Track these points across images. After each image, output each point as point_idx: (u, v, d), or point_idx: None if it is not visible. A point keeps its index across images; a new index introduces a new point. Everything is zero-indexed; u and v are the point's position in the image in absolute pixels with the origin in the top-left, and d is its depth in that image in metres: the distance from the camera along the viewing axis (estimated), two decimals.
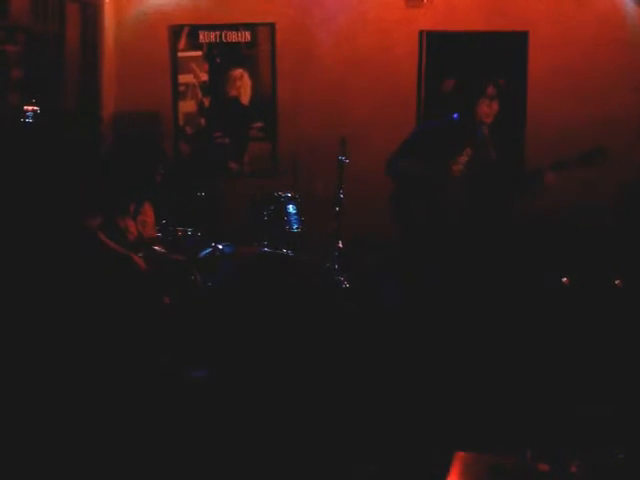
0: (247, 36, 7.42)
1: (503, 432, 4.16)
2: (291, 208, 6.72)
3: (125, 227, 5.49)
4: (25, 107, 6.37)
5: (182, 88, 7.53)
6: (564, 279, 6.19)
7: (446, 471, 3.03)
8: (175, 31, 7.46)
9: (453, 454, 3.12)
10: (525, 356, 5.21)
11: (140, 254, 5.39)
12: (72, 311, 5.28)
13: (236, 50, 7.45)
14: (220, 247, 6.32)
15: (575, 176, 5.57)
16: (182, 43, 7.47)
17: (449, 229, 5.48)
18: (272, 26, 7.38)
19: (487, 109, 5.49)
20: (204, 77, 7.52)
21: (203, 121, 7.56)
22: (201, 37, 7.46)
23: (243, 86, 7.50)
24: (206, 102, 7.54)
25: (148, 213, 5.75)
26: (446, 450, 3.19)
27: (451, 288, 5.47)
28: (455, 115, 5.59)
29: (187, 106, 7.55)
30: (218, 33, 7.44)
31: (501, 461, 3.07)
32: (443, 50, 7.24)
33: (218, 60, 7.48)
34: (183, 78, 7.53)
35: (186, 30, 7.45)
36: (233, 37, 7.43)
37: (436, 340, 5.37)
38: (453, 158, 5.55)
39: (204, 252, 6.30)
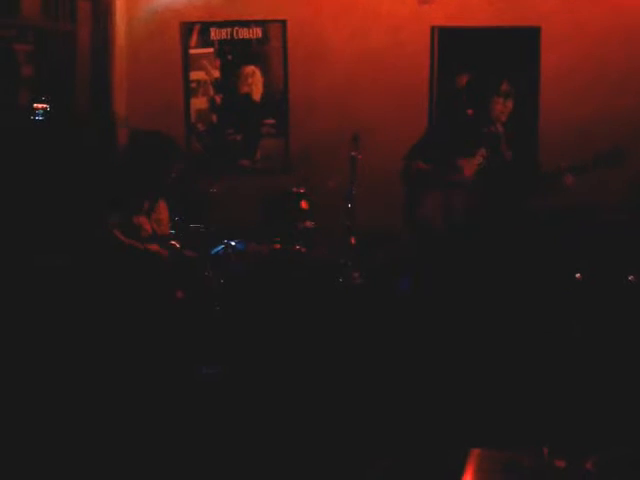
0: (258, 33, 7.41)
1: (519, 429, 4.15)
2: (303, 204, 6.71)
3: (139, 225, 5.51)
4: (35, 105, 6.39)
5: (194, 85, 7.52)
6: (577, 275, 6.17)
7: (462, 468, 3.03)
8: (186, 28, 7.45)
9: (469, 451, 3.11)
10: (540, 351, 5.20)
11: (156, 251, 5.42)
12: (87, 307, 5.30)
13: (248, 47, 7.44)
14: (232, 244, 6.31)
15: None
16: (193, 40, 7.46)
17: (462, 229, 5.48)
18: (284, 23, 7.37)
19: (501, 107, 5.49)
20: (216, 74, 7.50)
21: (215, 118, 7.56)
22: (212, 34, 7.45)
23: (255, 83, 7.49)
24: (218, 99, 7.53)
25: (162, 211, 5.76)
26: (462, 447, 3.19)
27: (465, 284, 5.46)
28: (469, 113, 5.57)
29: (199, 103, 7.54)
30: (229, 30, 7.43)
31: (517, 458, 3.06)
32: (455, 46, 7.22)
33: (230, 57, 7.47)
34: (195, 75, 7.52)
35: (197, 27, 7.44)
36: (244, 34, 7.42)
37: (451, 335, 5.37)
38: (467, 158, 5.54)
39: (216, 249, 6.30)
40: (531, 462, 3.02)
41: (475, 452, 3.11)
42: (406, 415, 4.51)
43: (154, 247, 5.38)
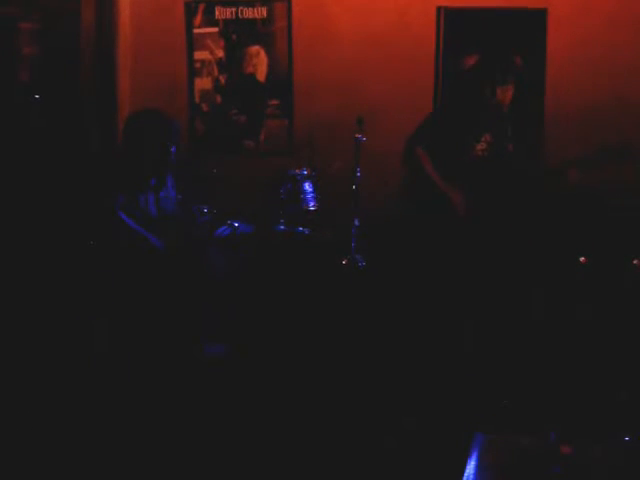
0: (263, 12, 7.36)
1: (525, 414, 4.15)
2: (307, 186, 6.68)
3: (145, 204, 5.51)
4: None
5: (198, 65, 7.48)
6: (582, 258, 6.15)
7: (467, 452, 3.02)
8: (191, 7, 7.41)
9: (474, 436, 3.11)
10: (546, 336, 5.19)
11: (161, 232, 5.41)
12: (89, 289, 5.30)
13: (252, 27, 7.40)
14: (236, 225, 6.30)
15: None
16: (198, 19, 7.42)
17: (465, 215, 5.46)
18: (289, 2, 7.31)
19: (506, 92, 5.46)
20: (220, 54, 7.46)
21: (219, 98, 7.52)
22: (217, 13, 7.41)
23: (259, 63, 7.45)
24: (222, 79, 7.49)
25: (170, 189, 5.76)
26: (467, 431, 3.18)
27: (469, 269, 5.45)
28: (472, 97, 5.55)
29: (203, 83, 7.51)
30: (234, 9, 7.38)
31: (523, 442, 3.06)
32: (461, 27, 7.17)
33: (234, 37, 7.42)
34: (199, 55, 7.47)
35: (202, 6, 7.40)
36: (249, 13, 7.38)
37: (459, 318, 5.36)
38: (472, 144, 5.52)
39: (220, 230, 6.29)
40: (537, 448, 3.01)
41: (481, 437, 3.11)
42: (411, 399, 4.51)
43: (155, 240, 5.36)
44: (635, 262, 6.09)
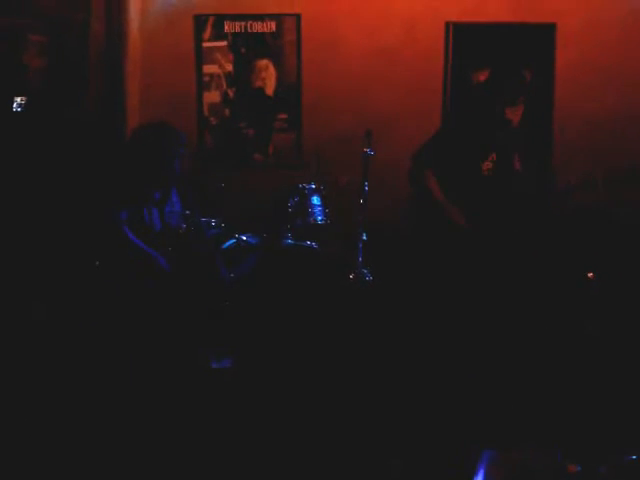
0: (272, 26, 7.38)
1: (532, 431, 4.13)
2: (315, 200, 6.67)
3: (150, 218, 5.49)
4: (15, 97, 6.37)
5: (207, 78, 7.50)
6: (590, 274, 6.14)
7: (474, 469, 3.01)
8: (200, 21, 7.42)
9: (481, 452, 3.10)
10: (554, 352, 5.17)
11: (167, 247, 5.40)
12: (94, 303, 5.30)
13: (261, 40, 7.42)
14: (244, 238, 6.30)
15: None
16: (207, 33, 7.44)
17: (472, 234, 5.46)
18: (298, 17, 7.34)
19: (515, 110, 5.45)
20: (229, 67, 7.48)
21: (227, 112, 7.53)
22: (226, 27, 7.42)
23: (268, 77, 7.47)
24: (231, 93, 7.51)
25: (175, 203, 5.74)
26: (474, 448, 3.17)
27: (475, 284, 5.44)
28: (481, 114, 5.54)
29: (212, 97, 7.52)
30: (243, 23, 7.40)
31: (529, 460, 3.04)
32: (470, 42, 7.19)
33: (243, 50, 7.45)
34: (208, 68, 7.49)
35: (211, 20, 7.42)
36: (258, 27, 7.40)
37: (464, 333, 5.35)
38: (478, 162, 5.52)
39: (228, 243, 6.29)
40: (544, 465, 3.00)
41: (487, 453, 3.10)
42: (418, 414, 4.49)
43: (159, 257, 5.34)
44: None
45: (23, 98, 6.33)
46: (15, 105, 6.36)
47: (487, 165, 5.58)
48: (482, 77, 6.44)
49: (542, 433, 4.04)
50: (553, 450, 3.02)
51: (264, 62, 7.45)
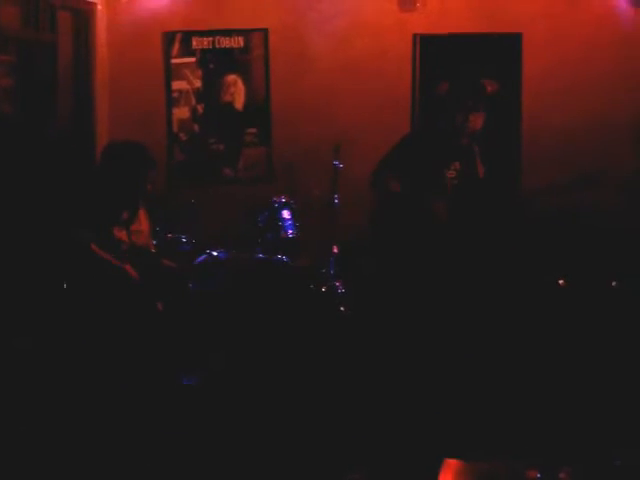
0: (240, 42, 7.39)
1: (494, 440, 4.13)
2: (286, 214, 6.69)
3: (119, 237, 5.47)
4: None
5: (176, 95, 7.50)
6: (560, 281, 6.16)
7: (435, 477, 3.01)
8: (168, 37, 7.43)
9: (443, 462, 3.10)
10: (516, 360, 5.18)
11: (134, 264, 5.38)
12: (65, 320, 5.27)
13: (230, 56, 7.43)
14: (214, 254, 6.30)
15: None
16: (175, 49, 7.44)
17: (436, 242, 5.47)
18: (265, 31, 7.36)
19: (478, 118, 5.48)
20: (198, 83, 7.48)
21: (197, 127, 7.53)
22: (194, 43, 7.43)
23: (237, 92, 7.47)
24: (200, 108, 7.51)
25: (143, 222, 5.72)
26: (436, 458, 3.17)
27: (443, 293, 5.44)
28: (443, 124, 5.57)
29: (181, 112, 7.52)
30: (211, 39, 7.41)
31: (490, 468, 3.05)
32: (437, 53, 7.22)
33: (211, 66, 7.45)
34: (177, 84, 7.49)
35: (179, 36, 7.42)
36: (226, 43, 7.41)
37: (428, 345, 5.35)
38: (440, 172, 5.54)
39: (198, 259, 6.29)
40: (504, 473, 3.00)
41: (449, 463, 3.10)
42: (380, 425, 4.49)
43: (129, 268, 5.32)
44: (613, 284, 6.10)
45: None
46: None
47: (451, 174, 5.60)
48: (444, 88, 6.46)
49: (503, 442, 4.04)
50: (513, 458, 3.03)
51: (233, 77, 7.46)
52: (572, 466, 2.90)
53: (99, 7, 7.28)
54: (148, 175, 5.51)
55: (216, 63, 7.45)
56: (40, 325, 5.35)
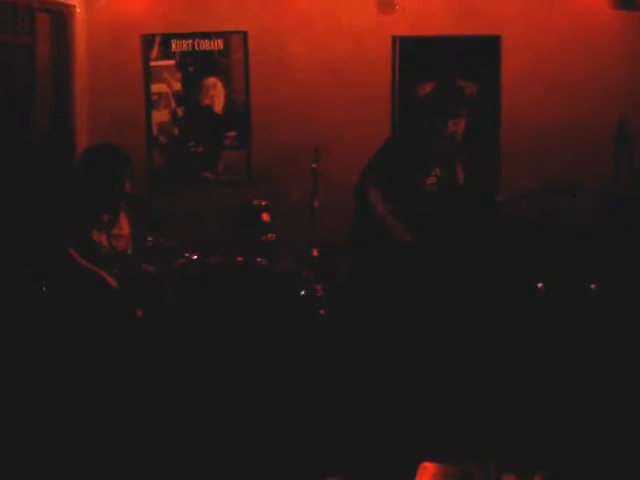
0: (220, 44, 7.38)
1: (469, 442, 4.13)
2: (265, 217, 6.68)
3: (99, 241, 5.45)
4: None
5: (155, 97, 7.48)
6: (539, 284, 6.17)
7: None
8: (147, 40, 7.41)
9: (419, 465, 3.10)
10: (494, 363, 5.19)
11: (113, 269, 5.36)
12: (40, 328, 5.25)
13: (209, 59, 7.41)
14: (194, 257, 6.27)
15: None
16: (154, 52, 7.42)
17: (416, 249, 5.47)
18: (245, 34, 7.34)
19: (458, 123, 5.48)
20: (177, 86, 7.47)
21: (176, 130, 7.52)
22: (173, 46, 7.41)
23: (216, 95, 7.46)
24: (179, 111, 7.49)
25: (124, 226, 5.69)
26: (411, 460, 3.17)
27: (422, 297, 5.45)
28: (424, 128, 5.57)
29: (160, 115, 7.50)
30: (191, 42, 7.40)
31: (466, 471, 3.04)
32: (416, 56, 7.23)
33: (191, 69, 7.44)
34: (156, 87, 7.47)
35: (158, 39, 7.40)
36: (206, 45, 7.39)
37: (407, 348, 5.35)
38: (421, 178, 5.54)
39: (177, 262, 6.26)
40: (481, 476, 3.00)
41: (425, 466, 3.10)
42: (356, 428, 4.49)
43: (106, 275, 5.31)
44: (592, 287, 6.11)
45: None
46: None
47: (431, 180, 5.60)
48: (426, 90, 6.45)
49: (478, 444, 4.05)
50: (489, 461, 3.03)
51: (212, 80, 7.45)
52: (547, 470, 2.91)
53: (78, 9, 7.26)
54: (124, 173, 5.49)
55: (196, 66, 7.43)
56: (17, 331, 5.33)
